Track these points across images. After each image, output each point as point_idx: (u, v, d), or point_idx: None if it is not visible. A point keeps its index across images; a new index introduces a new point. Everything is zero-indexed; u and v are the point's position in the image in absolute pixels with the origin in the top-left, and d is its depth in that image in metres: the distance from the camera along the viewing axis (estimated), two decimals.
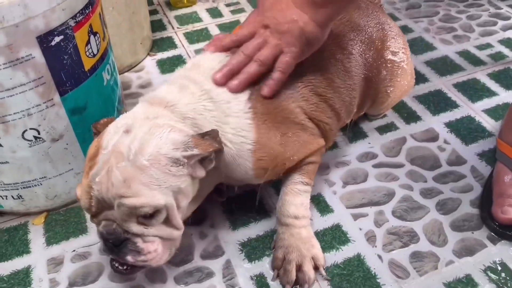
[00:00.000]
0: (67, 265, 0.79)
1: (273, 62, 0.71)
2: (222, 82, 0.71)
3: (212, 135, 0.65)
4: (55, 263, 0.80)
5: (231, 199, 0.88)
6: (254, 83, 0.71)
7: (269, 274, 0.76)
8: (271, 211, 0.86)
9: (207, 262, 0.79)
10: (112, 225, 0.63)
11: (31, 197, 0.83)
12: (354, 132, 1.00)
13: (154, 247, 0.65)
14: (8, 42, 0.64)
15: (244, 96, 0.71)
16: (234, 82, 0.70)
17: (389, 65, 0.90)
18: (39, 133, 0.75)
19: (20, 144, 0.74)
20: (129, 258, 0.64)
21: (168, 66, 1.23)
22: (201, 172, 0.66)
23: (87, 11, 0.74)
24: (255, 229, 0.83)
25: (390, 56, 0.90)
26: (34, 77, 0.69)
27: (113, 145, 0.62)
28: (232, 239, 0.82)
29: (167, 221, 0.65)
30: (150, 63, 1.24)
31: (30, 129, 0.73)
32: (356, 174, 0.91)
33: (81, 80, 0.76)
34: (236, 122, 0.69)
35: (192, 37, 1.34)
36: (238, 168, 0.72)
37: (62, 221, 0.86)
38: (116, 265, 0.67)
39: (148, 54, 1.27)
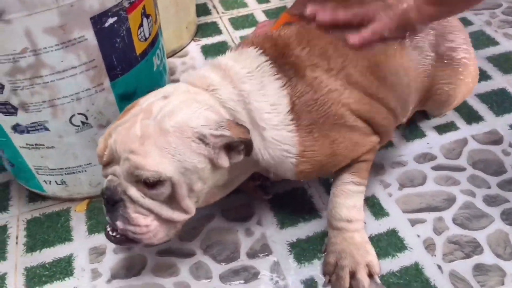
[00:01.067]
0: (109, 256, 0.77)
1: None
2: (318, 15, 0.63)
3: (246, 128, 0.62)
4: (97, 253, 0.77)
5: (279, 195, 0.84)
6: (294, 92, 0.66)
7: (320, 278, 0.72)
8: (321, 210, 0.81)
9: (254, 261, 0.75)
10: (115, 181, 0.61)
11: (74, 183, 0.81)
12: (411, 130, 0.94)
13: (145, 222, 0.61)
14: (61, 22, 0.61)
15: (285, 107, 0.65)
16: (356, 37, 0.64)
17: (447, 61, 0.83)
18: (86, 119, 0.72)
19: (67, 129, 0.72)
20: (119, 223, 0.61)
21: (213, 52, 1.18)
22: (224, 161, 0.62)
23: None
24: (304, 230, 0.79)
25: (449, 52, 0.83)
26: (86, 60, 0.66)
27: (147, 104, 0.62)
28: (280, 238, 0.78)
29: (173, 201, 0.61)
30: (194, 49, 1.20)
31: (78, 114, 0.71)
32: (413, 176, 0.86)
33: (132, 65, 0.73)
34: (277, 135, 0.65)
35: (237, 23, 1.29)
36: (278, 172, 0.69)
37: None
38: (108, 229, 0.64)
39: (193, 39, 1.23)
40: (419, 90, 0.80)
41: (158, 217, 0.62)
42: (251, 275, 0.73)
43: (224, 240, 0.78)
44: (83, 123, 0.72)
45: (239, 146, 0.62)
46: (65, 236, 0.80)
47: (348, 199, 0.72)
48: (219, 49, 1.19)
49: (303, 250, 0.76)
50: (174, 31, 1.15)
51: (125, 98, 0.74)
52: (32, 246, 0.79)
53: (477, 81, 0.93)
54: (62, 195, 0.83)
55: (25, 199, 0.87)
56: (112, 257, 0.76)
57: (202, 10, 1.35)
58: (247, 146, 0.62)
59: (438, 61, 0.82)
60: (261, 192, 0.84)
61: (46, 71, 0.64)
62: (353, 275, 0.69)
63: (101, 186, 0.82)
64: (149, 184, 0.59)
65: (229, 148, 0.62)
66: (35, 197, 0.86)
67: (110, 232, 0.64)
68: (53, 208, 0.85)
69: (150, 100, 0.63)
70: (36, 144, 0.73)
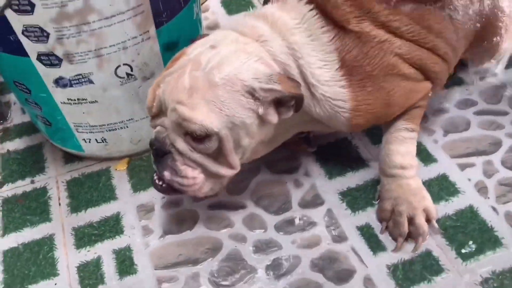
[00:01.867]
0: (158, 213, 0.75)
1: None
2: None
3: (298, 83, 0.60)
4: (145, 210, 0.75)
5: (323, 147, 0.82)
6: (343, 46, 0.62)
7: (376, 224, 0.71)
8: (368, 160, 0.80)
9: (307, 211, 0.74)
10: (163, 133, 0.60)
11: (115, 141, 0.78)
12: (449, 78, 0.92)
13: (193, 174, 0.60)
14: None
15: (335, 63, 0.62)
16: None
17: (494, 12, 0.80)
18: (131, 70, 0.69)
19: (112, 81, 0.68)
20: (166, 173, 0.61)
21: (235, 6, 1.14)
22: (272, 117, 0.59)
23: None
24: (353, 179, 0.78)
25: (497, 4, 0.80)
26: (134, 5, 0.62)
27: (195, 54, 0.60)
28: (330, 188, 0.77)
29: (220, 156, 0.60)
30: (214, 3, 1.15)
31: (124, 64, 0.67)
32: (456, 122, 0.85)
33: (176, 11, 0.69)
34: (328, 91, 0.62)
35: None
36: (331, 125, 0.67)
37: (146, 167, 0.81)
38: (155, 177, 0.63)
39: None
40: (467, 37, 0.77)
41: (205, 170, 0.61)
42: (306, 223, 0.72)
43: (274, 192, 0.77)
44: (128, 74, 0.69)
45: (289, 101, 0.59)
46: (109, 195, 0.78)
47: (402, 145, 0.71)
48: (241, 2, 1.15)
49: (355, 198, 0.75)
50: None
51: (169, 48, 0.71)
52: (76, 206, 0.77)
53: None
54: (101, 154, 0.81)
55: (61, 161, 0.84)
56: (162, 214, 0.75)
57: None
58: (298, 101, 0.60)
59: (485, 11, 0.79)
60: (305, 145, 0.82)
61: (94, 16, 0.60)
62: (410, 220, 0.69)
63: (142, 143, 0.80)
64: (196, 138, 0.57)
65: (278, 103, 0.59)
66: (71, 158, 0.84)
67: (157, 181, 0.63)
68: (92, 168, 0.82)
69: (197, 50, 0.61)
70: (78, 99, 0.70)
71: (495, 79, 0.92)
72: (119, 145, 0.79)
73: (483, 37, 0.81)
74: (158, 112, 0.60)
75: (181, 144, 0.59)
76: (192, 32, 0.76)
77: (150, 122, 0.63)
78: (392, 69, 0.65)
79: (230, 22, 0.66)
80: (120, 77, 0.68)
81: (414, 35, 0.66)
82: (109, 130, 0.76)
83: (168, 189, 0.63)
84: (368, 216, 0.73)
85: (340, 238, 0.70)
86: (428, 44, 0.68)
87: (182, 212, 0.75)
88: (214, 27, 1.09)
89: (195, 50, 0.61)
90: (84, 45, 0.63)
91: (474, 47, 0.83)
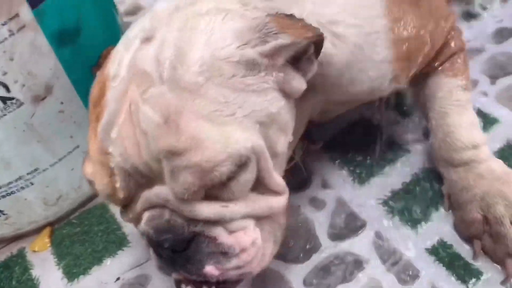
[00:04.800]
0: None
1: None
2: None
3: (300, 19, 0.36)
4: None
5: (333, 139, 0.57)
6: None
7: (454, 239, 0.47)
8: (404, 142, 0.56)
9: (345, 244, 0.48)
10: (163, 214, 0.36)
11: (19, 209, 0.49)
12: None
13: (249, 237, 0.37)
14: None
15: None
16: None
17: None
18: (8, 90, 0.39)
19: None
20: (211, 268, 0.36)
21: None
22: (299, 82, 0.37)
23: None
24: (394, 176, 0.53)
25: None
26: None
27: (128, 66, 0.35)
28: (365, 198, 0.52)
29: (258, 185, 0.37)
30: None
31: None
32: (502, 62, 0.62)
33: None
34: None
35: None
36: (360, 74, 0.43)
37: (81, 234, 0.53)
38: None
39: None
40: None
41: (257, 218, 0.37)
42: (351, 266, 0.46)
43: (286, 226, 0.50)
44: (4, 100, 0.39)
45: (308, 50, 0.36)
46: None
47: (463, 114, 0.48)
48: None
49: (408, 207, 0.50)
50: None
51: (66, 39, 0.42)
52: None
53: None
54: (3, 233, 0.51)
55: None
56: None
57: None
58: (318, 42, 0.37)
59: None
60: (307, 141, 0.57)
61: None
62: None
63: (64, 200, 0.51)
64: (225, 181, 0.34)
65: (295, 58, 0.36)
66: None
67: None
68: None
69: (125, 58, 0.35)
70: None
71: None
72: (28, 214, 0.50)
73: None
74: (133, 192, 0.36)
75: (207, 209, 0.35)
76: (102, 9, 0.47)
77: (122, 215, 0.38)
78: None
79: None
80: None
81: None
82: (4, 196, 0.46)
83: None
84: (438, 227, 0.48)
85: (410, 276, 0.45)
86: None
87: None
88: (136, 10, 0.80)
89: (121, 61, 0.36)
90: None
91: None
